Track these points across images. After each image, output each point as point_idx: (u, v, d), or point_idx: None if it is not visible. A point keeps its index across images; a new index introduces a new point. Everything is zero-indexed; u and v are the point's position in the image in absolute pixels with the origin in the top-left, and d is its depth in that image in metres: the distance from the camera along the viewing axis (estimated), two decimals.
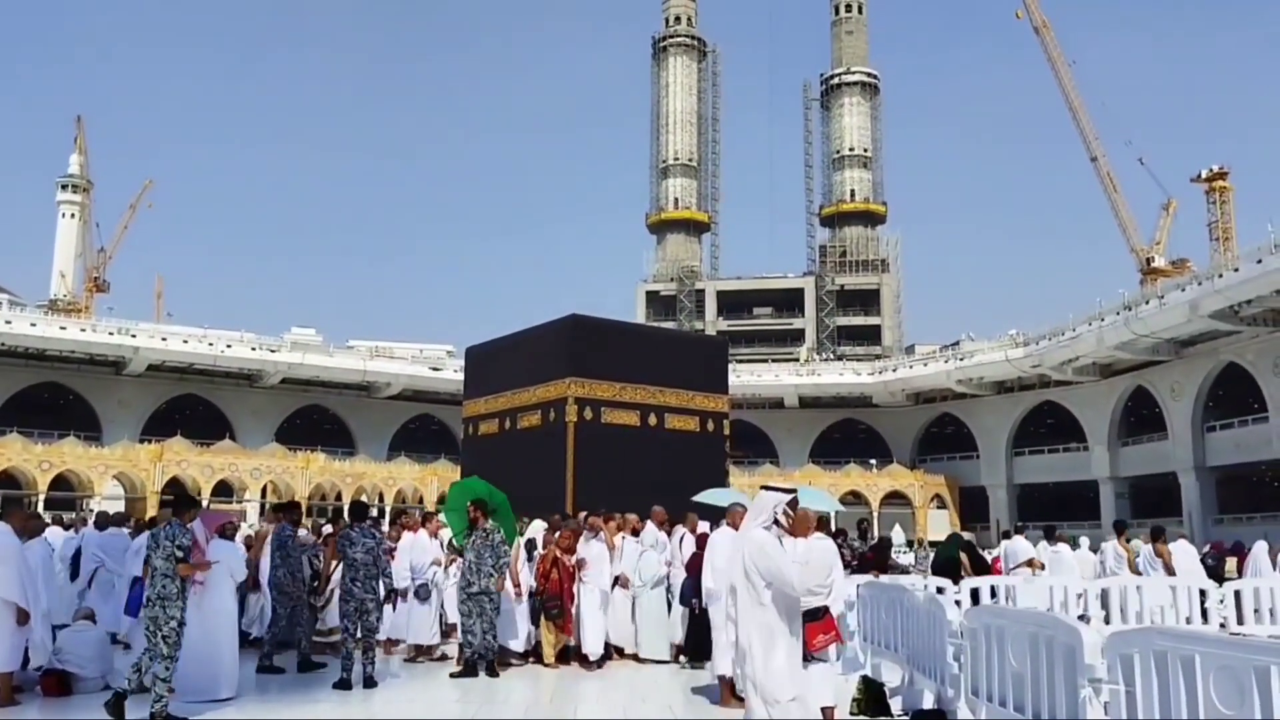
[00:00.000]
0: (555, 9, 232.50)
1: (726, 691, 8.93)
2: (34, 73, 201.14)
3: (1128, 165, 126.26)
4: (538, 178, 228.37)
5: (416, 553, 11.67)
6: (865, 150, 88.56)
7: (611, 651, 11.53)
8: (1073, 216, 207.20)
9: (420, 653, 11.60)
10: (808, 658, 7.48)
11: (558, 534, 11.55)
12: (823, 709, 7.93)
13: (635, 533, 12.09)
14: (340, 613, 10.13)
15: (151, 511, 36.86)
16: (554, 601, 11.01)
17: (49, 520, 17.24)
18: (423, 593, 11.46)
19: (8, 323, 54.16)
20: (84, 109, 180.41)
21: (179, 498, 9.21)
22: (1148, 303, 47.79)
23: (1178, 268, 69.30)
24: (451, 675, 10.30)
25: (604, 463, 16.26)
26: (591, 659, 11.01)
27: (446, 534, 11.93)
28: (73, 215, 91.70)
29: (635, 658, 11.53)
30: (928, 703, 8.28)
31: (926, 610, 8.59)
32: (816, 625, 7.21)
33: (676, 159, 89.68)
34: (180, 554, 8.00)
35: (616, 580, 11.59)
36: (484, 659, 10.34)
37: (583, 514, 12.16)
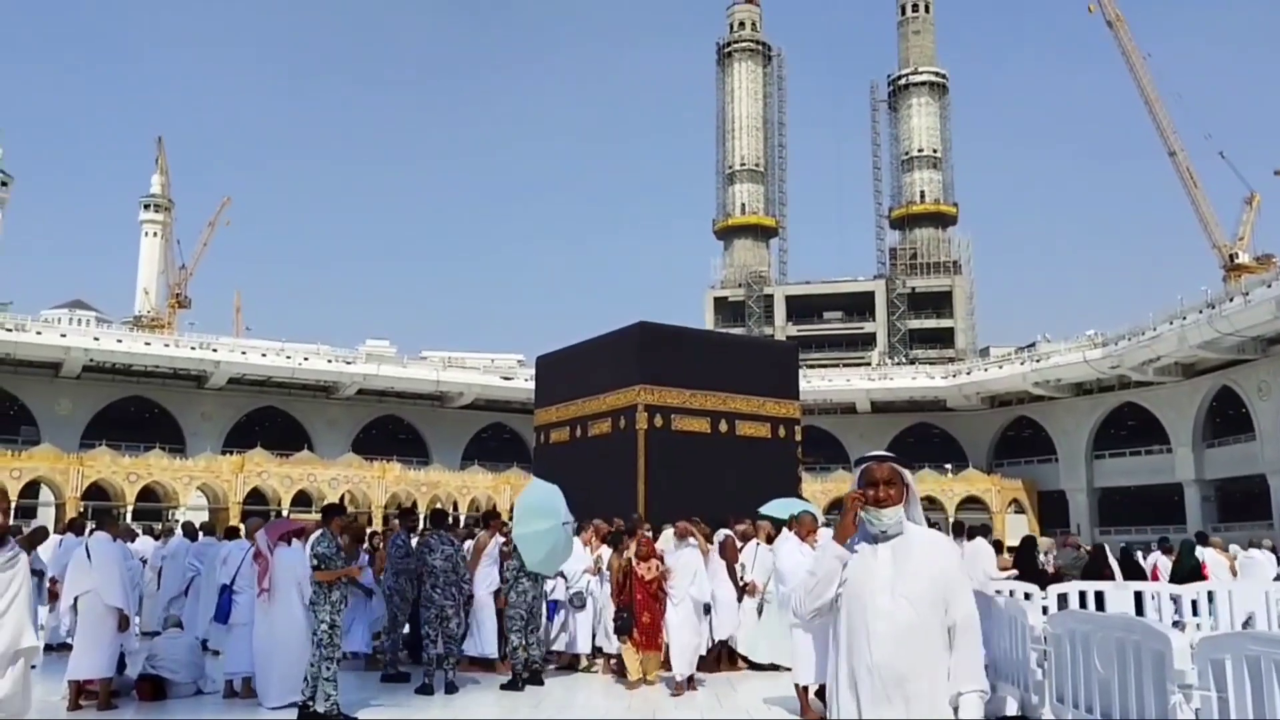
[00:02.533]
0: (621, 20, 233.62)
1: (804, 699, 8.89)
2: (116, 96, 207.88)
3: (1208, 159, 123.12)
4: (605, 186, 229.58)
5: (570, 561, 11.13)
6: (934, 151, 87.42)
7: (724, 660, 11.32)
8: (1150, 213, 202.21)
9: (575, 661, 11.47)
10: None
11: (634, 542, 10.86)
12: None
13: (769, 539, 11.36)
14: (422, 620, 10.30)
15: (234, 521, 37.78)
16: (619, 614, 10.43)
17: (139, 530, 17.82)
18: (577, 601, 11.26)
19: (95, 339, 55.98)
20: (164, 130, 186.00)
21: (326, 506, 9.25)
22: (1232, 300, 46.37)
23: (1263, 264, 67.17)
24: (502, 687, 10.32)
25: (675, 470, 16.27)
26: (678, 679, 10.04)
27: (606, 551, 11.79)
28: (155, 234, 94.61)
29: (759, 666, 11.09)
30: (1011, 709, 8.16)
31: (1008, 615, 8.48)
32: None
33: (743, 164, 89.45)
34: (315, 562, 8.29)
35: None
36: (526, 670, 10.32)
37: (679, 524, 11.23)
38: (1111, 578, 12.22)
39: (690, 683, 10.09)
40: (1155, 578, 14.35)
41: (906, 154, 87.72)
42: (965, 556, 13.35)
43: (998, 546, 14.73)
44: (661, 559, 10.51)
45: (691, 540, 10.66)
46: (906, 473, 3.56)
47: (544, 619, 10.74)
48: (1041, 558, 16.65)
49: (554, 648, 11.52)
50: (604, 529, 12.26)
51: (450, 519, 10.48)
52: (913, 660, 3.35)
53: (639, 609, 10.21)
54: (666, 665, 10.44)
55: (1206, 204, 73.28)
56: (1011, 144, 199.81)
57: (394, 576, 10.83)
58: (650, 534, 11.34)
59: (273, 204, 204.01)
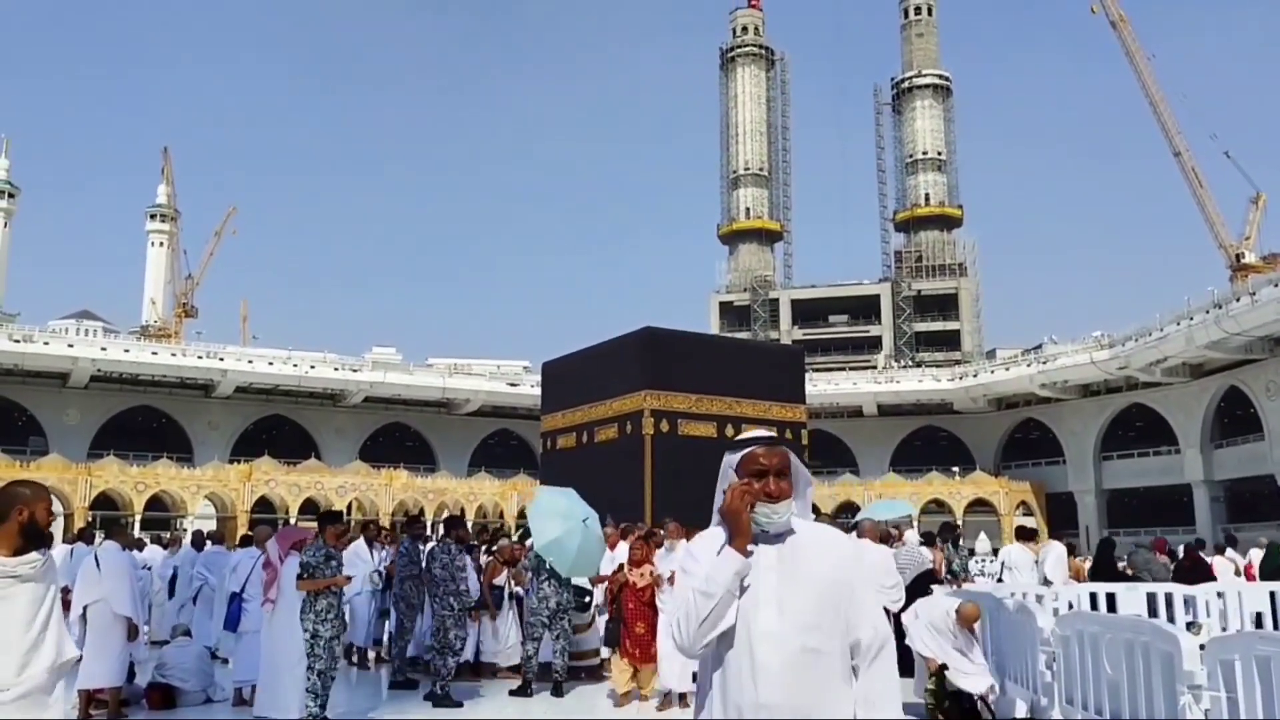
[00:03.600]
0: (623, 26, 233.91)
1: None
2: (122, 106, 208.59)
3: (1213, 159, 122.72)
4: (609, 192, 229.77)
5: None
6: (939, 153, 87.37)
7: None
8: (1156, 214, 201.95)
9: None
10: None
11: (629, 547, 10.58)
12: None
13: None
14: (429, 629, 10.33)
15: (242, 529, 37.83)
16: (609, 624, 10.13)
17: (147, 540, 17.86)
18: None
19: (103, 350, 56.12)
20: (170, 140, 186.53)
21: (322, 515, 9.09)
22: (1239, 300, 46.21)
23: (1269, 263, 67.01)
24: (511, 693, 10.30)
25: (682, 475, 16.25)
26: (665, 692, 9.51)
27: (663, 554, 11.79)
28: (161, 244, 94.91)
29: None
30: (1020, 712, 8.15)
31: (1017, 618, 8.47)
32: None
33: (747, 169, 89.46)
34: (300, 570, 8.25)
35: None
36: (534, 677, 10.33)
37: (670, 525, 10.73)
38: (1211, 578, 12.19)
39: (683, 699, 9.38)
40: (1250, 576, 14.46)
41: (911, 157, 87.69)
42: (1043, 560, 13.45)
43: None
44: (655, 565, 10.06)
45: (683, 541, 9.86)
46: (794, 457, 2.93)
47: (568, 625, 10.60)
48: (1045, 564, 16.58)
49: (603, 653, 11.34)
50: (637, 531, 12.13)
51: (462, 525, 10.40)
52: (810, 697, 2.65)
53: (631, 618, 9.66)
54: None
55: (1212, 204, 73.17)
56: (1016, 146, 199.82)
57: (400, 584, 10.85)
58: (655, 536, 11.17)
59: (279, 213, 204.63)
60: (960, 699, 8.81)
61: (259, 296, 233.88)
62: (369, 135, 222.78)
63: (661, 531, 11.51)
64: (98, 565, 9.03)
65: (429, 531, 18.60)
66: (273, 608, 8.76)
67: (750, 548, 2.79)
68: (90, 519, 41.27)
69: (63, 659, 4.01)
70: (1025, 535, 14.87)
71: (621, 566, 10.16)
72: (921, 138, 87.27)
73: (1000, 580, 14.31)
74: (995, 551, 44.55)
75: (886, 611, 8.12)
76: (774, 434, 2.94)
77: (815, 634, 2.69)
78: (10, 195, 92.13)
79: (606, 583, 10.84)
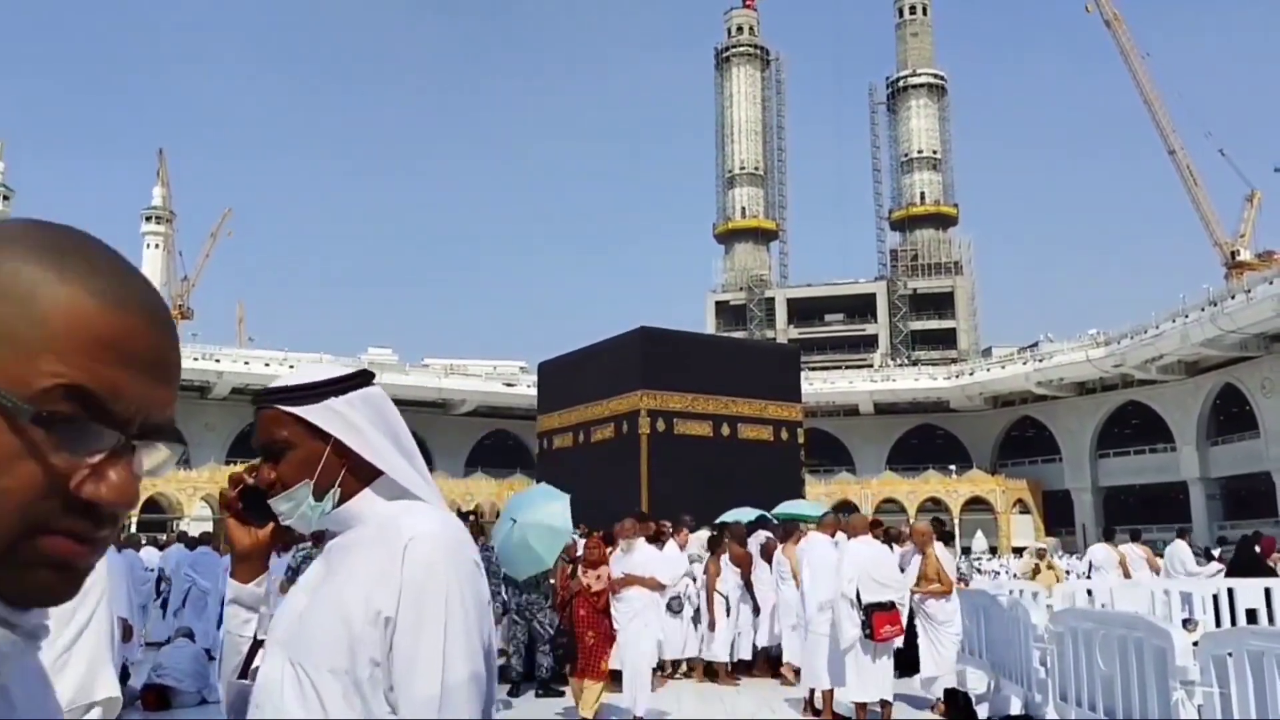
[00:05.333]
0: (618, 26, 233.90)
1: (821, 704, 8.84)
2: (117, 109, 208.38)
3: (1208, 157, 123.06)
4: (605, 193, 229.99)
5: (670, 565, 10.19)
6: (934, 152, 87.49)
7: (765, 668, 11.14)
8: (1151, 212, 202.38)
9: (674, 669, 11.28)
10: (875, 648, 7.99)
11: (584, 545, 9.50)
12: (882, 703, 8.13)
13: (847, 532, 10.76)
14: None
15: None
16: (559, 636, 9.52)
17: (144, 541, 17.84)
18: (675, 605, 10.87)
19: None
20: (165, 142, 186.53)
21: None
22: (1234, 297, 46.32)
23: (1264, 260, 67.06)
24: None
25: (678, 474, 16.29)
26: (629, 709, 8.40)
27: (696, 542, 11.70)
28: (157, 245, 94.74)
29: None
30: (1015, 709, 8.15)
31: (1011, 615, 8.49)
32: (884, 616, 7.79)
33: (742, 168, 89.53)
34: (288, 574, 8.25)
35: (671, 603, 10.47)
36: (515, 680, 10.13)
37: (625, 521, 9.59)
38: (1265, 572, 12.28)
39: None
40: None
41: (906, 155, 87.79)
42: (1167, 557, 13.75)
43: (994, 550, 14.84)
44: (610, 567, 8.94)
45: (641, 541, 9.09)
46: (337, 410, 1.66)
47: (538, 625, 10.46)
48: (1032, 560, 16.69)
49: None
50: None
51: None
52: None
53: (581, 627, 8.46)
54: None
55: (1207, 202, 73.30)
56: (1011, 144, 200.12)
57: None
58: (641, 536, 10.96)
59: (274, 215, 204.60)
60: (956, 697, 8.84)
61: (255, 298, 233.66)
62: (365, 136, 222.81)
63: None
64: None
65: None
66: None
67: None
68: None
69: (89, 698, 3.01)
70: (1109, 536, 15.32)
71: (575, 568, 9.03)
72: (917, 136, 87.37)
73: (1089, 577, 14.69)
74: (993, 550, 44.62)
75: (891, 606, 8.12)
76: (279, 388, 1.73)
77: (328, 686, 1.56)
78: (5, 198, 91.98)
79: (709, 579, 10.83)
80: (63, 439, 0.63)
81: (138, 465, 0.66)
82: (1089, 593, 12.03)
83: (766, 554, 11.52)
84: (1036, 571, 14.19)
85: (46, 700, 0.68)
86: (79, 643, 3.07)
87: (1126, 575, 13.51)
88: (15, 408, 0.61)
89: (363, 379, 1.73)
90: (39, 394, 0.62)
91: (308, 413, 1.66)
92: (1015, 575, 15.47)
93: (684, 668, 11.38)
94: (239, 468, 2.14)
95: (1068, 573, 15.06)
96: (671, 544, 11.30)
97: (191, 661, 9.90)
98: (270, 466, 1.71)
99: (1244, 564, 12.75)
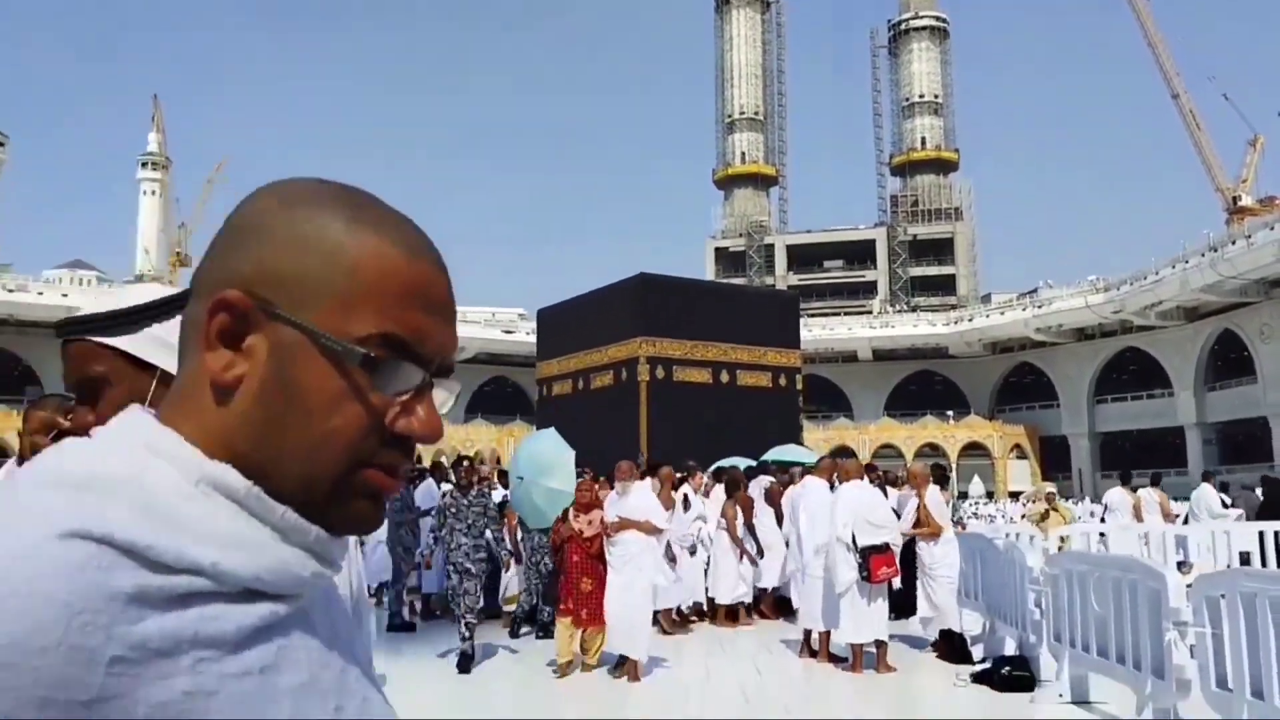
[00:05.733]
0: None
1: (824, 645, 8.94)
2: (112, 53, 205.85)
3: (1211, 102, 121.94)
4: (605, 138, 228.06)
5: (689, 512, 10.81)
6: (936, 96, 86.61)
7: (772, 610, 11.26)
8: (1154, 157, 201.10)
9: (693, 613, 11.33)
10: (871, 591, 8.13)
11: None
12: (877, 643, 8.27)
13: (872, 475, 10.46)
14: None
15: None
16: (551, 577, 9.66)
17: None
18: (690, 549, 11.05)
19: (97, 298, 55.91)
20: (160, 87, 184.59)
21: None
22: (1234, 243, 46.20)
23: (1266, 206, 66.74)
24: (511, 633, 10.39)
25: (677, 420, 16.37)
26: (621, 657, 8.30)
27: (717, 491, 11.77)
28: (153, 192, 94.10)
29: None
30: (1009, 650, 8.28)
31: (1007, 558, 8.58)
32: (881, 558, 7.93)
33: (742, 113, 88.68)
34: None
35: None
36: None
37: (621, 463, 9.21)
38: None
39: (635, 670, 8.08)
40: None
41: (907, 100, 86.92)
42: (1194, 500, 13.88)
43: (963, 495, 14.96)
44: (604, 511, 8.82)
45: (636, 483, 8.82)
46: (161, 338, 1.49)
47: (545, 572, 10.51)
48: (1029, 505, 16.86)
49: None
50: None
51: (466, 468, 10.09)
52: None
53: (575, 573, 8.36)
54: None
55: (1210, 147, 72.73)
56: (1013, 89, 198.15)
57: (394, 528, 11.02)
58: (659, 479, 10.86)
59: (271, 161, 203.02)
60: (952, 638, 8.96)
61: None
62: (361, 80, 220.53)
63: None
64: None
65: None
66: None
67: None
68: None
69: None
70: (1124, 480, 15.55)
71: (566, 515, 8.79)
72: (918, 81, 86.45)
73: (1103, 521, 14.90)
74: (989, 495, 44.92)
75: (886, 548, 8.23)
76: (97, 314, 1.56)
77: None
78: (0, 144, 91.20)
79: (728, 523, 10.88)
80: (379, 380, 0.68)
81: (436, 402, 0.72)
82: (1101, 536, 12.21)
83: (771, 499, 11.62)
84: (1046, 515, 14.29)
85: (339, 623, 0.73)
86: None
87: (1139, 519, 13.60)
88: (347, 351, 0.66)
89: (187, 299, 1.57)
90: (359, 340, 0.67)
91: (127, 343, 1.44)
92: (1025, 519, 15.57)
93: (686, 611, 11.46)
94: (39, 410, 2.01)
95: (1077, 517, 15.21)
96: (687, 488, 11.37)
97: None
98: (88, 408, 1.44)
99: (1275, 505, 12.92)
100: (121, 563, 0.56)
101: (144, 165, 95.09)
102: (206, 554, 0.60)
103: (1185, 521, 14.57)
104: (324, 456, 0.67)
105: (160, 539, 0.59)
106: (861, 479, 8.85)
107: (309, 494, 0.67)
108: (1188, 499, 16.85)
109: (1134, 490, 14.92)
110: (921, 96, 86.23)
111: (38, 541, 0.55)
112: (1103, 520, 15.09)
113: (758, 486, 11.97)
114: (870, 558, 8.12)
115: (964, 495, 44.33)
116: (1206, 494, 14.00)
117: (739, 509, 11.24)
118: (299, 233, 0.69)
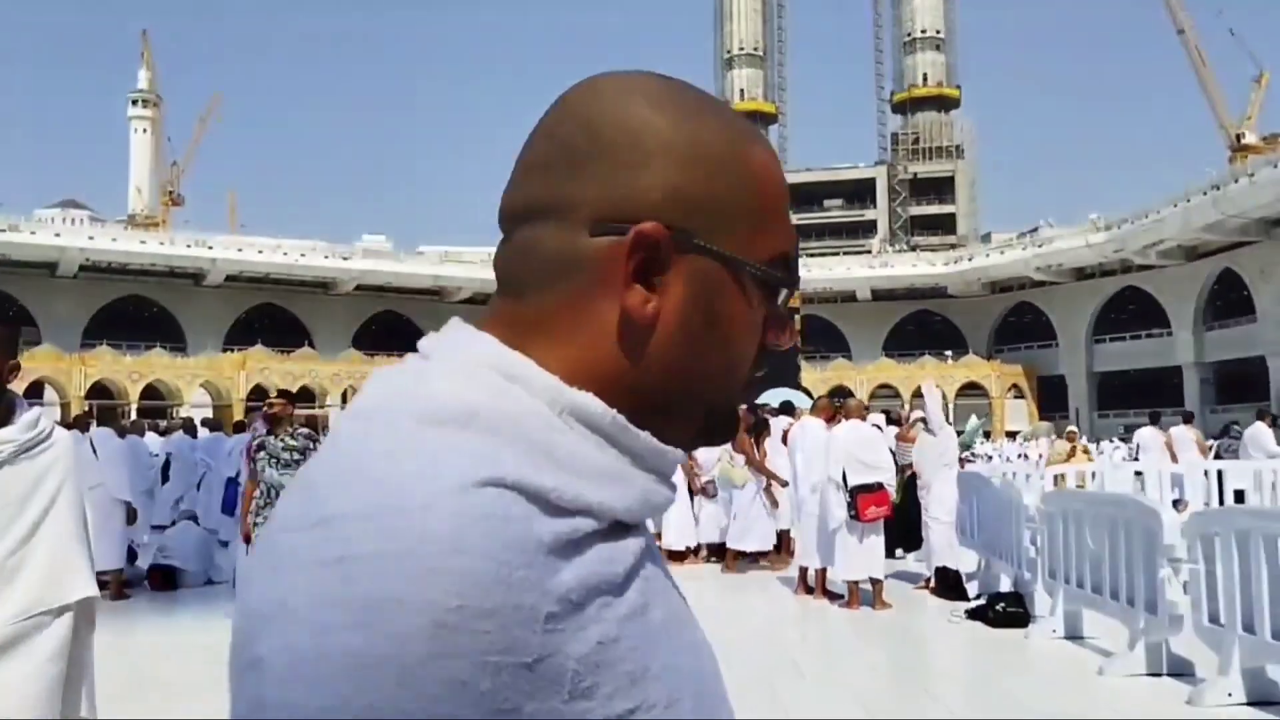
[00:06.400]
0: None
1: (814, 582, 9.03)
2: None
3: (1217, 37, 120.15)
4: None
5: (702, 450, 11.01)
6: (938, 32, 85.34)
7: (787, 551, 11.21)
8: (1157, 94, 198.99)
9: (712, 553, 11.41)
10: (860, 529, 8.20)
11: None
12: (872, 581, 8.34)
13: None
14: None
15: (238, 417, 38.11)
16: None
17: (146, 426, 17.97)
18: (710, 490, 11.18)
19: (90, 238, 55.65)
20: (149, 23, 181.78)
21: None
22: (1237, 181, 45.85)
23: (1269, 144, 66.18)
24: None
25: None
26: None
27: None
28: (145, 130, 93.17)
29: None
30: (1004, 586, 8.34)
31: (1004, 496, 8.61)
32: (869, 497, 7.98)
33: (741, 49, 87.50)
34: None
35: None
36: None
37: None
38: None
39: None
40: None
41: (909, 35, 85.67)
42: (1247, 438, 13.83)
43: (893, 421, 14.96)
44: None
45: None
46: None
47: None
48: (1026, 443, 16.89)
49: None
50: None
51: None
52: None
53: None
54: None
55: (1214, 84, 71.90)
56: (1016, 25, 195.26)
57: None
58: None
59: (264, 99, 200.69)
60: (947, 574, 9.03)
61: (246, 185, 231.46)
62: (357, 18, 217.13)
63: None
64: (94, 451, 9.14)
65: None
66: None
67: None
68: (86, 409, 41.55)
69: (58, 600, 2.60)
70: (1154, 420, 15.75)
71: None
72: (920, 15, 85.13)
73: (1136, 459, 15.05)
74: (986, 434, 45.19)
75: (879, 487, 8.26)
76: None
77: None
78: None
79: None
80: (774, 299, 0.66)
81: None
82: (1137, 474, 12.25)
83: (786, 439, 11.59)
84: (1071, 454, 14.35)
85: (650, 540, 0.68)
86: (35, 539, 2.58)
87: (1173, 459, 13.58)
88: (769, 278, 0.65)
89: None
90: (768, 262, 0.65)
91: None
92: (1043, 458, 15.73)
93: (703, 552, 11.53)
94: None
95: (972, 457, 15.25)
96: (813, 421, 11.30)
97: (197, 543, 10.07)
98: None
99: None
100: (533, 510, 0.53)
101: (134, 103, 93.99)
102: (593, 492, 0.57)
103: (1218, 457, 14.52)
104: (733, 381, 0.65)
105: (559, 481, 0.56)
106: (863, 419, 8.87)
107: (707, 419, 0.66)
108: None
109: (1165, 430, 14.99)
110: (924, 32, 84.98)
111: (453, 491, 0.52)
112: (1135, 459, 15.20)
113: (777, 427, 11.86)
114: (858, 496, 8.17)
115: (1012, 435, 44.75)
116: (1260, 432, 13.67)
117: (754, 441, 11.16)
118: (702, 149, 0.63)
